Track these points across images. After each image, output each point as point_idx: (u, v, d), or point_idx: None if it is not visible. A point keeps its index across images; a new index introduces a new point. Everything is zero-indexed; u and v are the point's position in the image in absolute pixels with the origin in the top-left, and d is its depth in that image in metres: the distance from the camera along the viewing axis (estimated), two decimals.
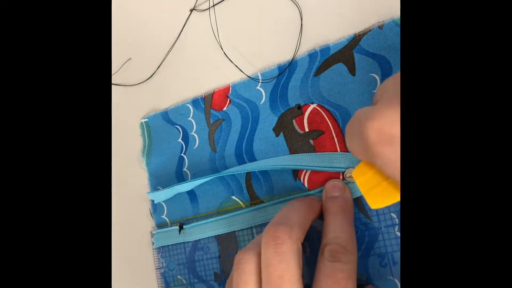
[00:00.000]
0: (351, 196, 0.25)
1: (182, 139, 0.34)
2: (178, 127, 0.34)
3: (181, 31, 0.34)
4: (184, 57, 0.35)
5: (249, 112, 0.31)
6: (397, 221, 0.25)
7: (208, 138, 0.32)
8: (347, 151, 0.26)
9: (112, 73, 0.38)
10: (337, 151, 0.27)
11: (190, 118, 0.33)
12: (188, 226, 0.32)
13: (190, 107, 0.33)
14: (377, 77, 0.26)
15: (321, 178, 0.27)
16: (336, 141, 0.27)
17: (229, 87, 0.32)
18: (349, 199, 0.25)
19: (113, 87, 0.39)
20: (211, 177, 0.30)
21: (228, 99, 0.32)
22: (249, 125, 0.30)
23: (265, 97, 0.30)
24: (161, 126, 0.35)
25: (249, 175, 0.30)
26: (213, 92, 0.32)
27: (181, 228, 0.32)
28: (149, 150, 0.36)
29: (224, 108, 0.32)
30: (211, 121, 0.32)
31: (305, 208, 0.24)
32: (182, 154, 0.34)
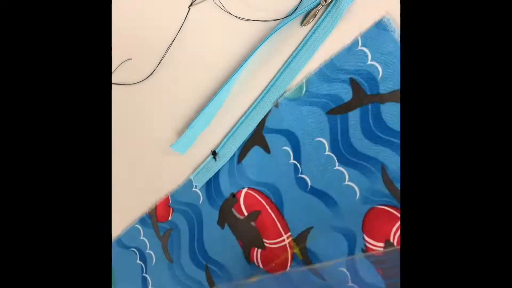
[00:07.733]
0: None
1: (140, 260, 0.34)
2: (134, 249, 0.35)
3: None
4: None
5: (192, 214, 0.32)
6: None
7: (163, 250, 0.33)
8: (287, 224, 0.28)
9: None
10: (278, 226, 0.28)
11: (142, 237, 0.34)
12: (219, 148, 0.30)
13: (139, 227, 0.35)
14: (289, 149, 0.29)
15: (272, 254, 0.28)
16: (273, 216, 0.29)
17: (168, 198, 0.33)
18: None
19: None
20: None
21: (171, 208, 0.33)
22: (195, 226, 0.32)
23: (202, 196, 0.32)
24: (118, 253, 0.36)
25: (208, 267, 0.31)
26: (156, 206, 0.34)
27: (214, 154, 0.30)
28: (113, 280, 0.36)
29: (170, 218, 0.33)
30: (161, 233, 0.33)
31: None
32: (144, 275, 0.34)
